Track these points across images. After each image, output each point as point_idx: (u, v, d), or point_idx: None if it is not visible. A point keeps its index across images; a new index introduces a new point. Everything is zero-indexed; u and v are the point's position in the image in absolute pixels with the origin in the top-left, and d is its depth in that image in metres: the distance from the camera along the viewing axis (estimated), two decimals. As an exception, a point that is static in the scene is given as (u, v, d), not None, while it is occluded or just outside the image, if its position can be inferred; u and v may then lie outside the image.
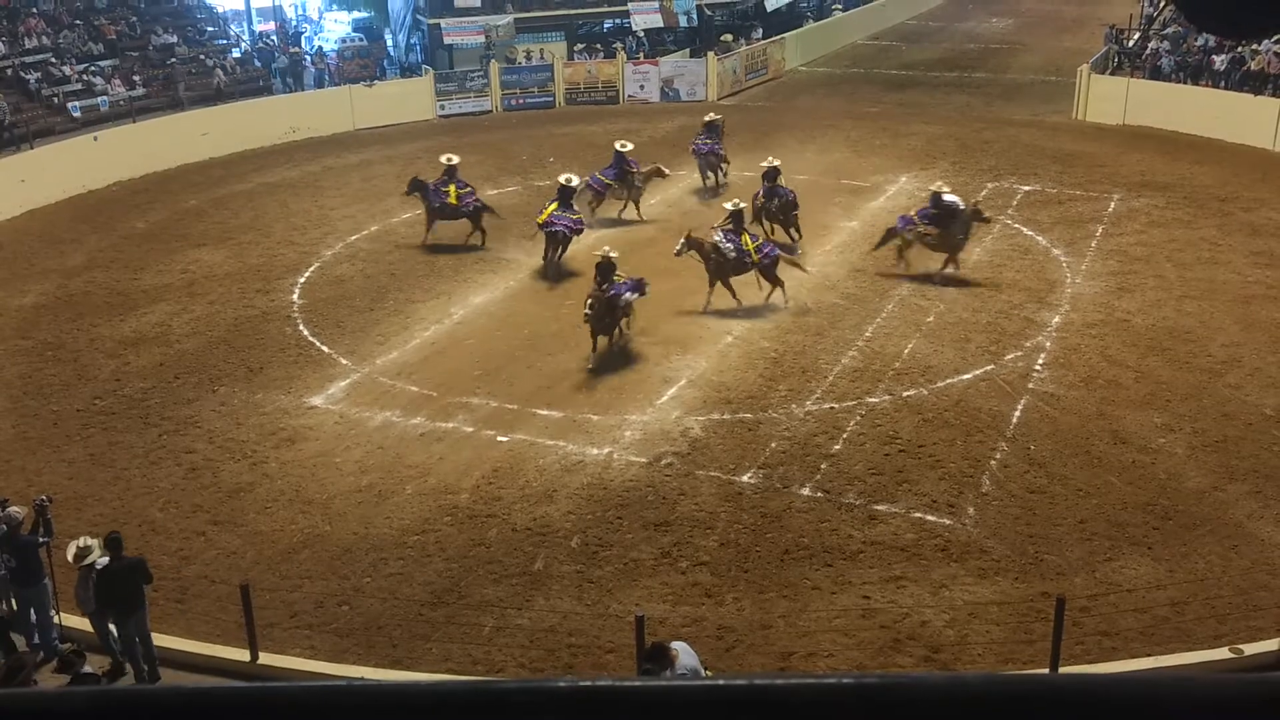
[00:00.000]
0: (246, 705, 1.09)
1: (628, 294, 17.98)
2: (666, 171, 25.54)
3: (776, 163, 23.33)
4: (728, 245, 19.72)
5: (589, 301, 17.48)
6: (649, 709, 1.06)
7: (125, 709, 1.12)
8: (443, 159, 24.18)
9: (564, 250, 21.93)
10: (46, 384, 18.34)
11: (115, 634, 11.74)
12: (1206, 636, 11.63)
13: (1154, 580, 12.55)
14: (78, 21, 34.66)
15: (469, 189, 23.80)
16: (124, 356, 19.18)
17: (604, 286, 17.87)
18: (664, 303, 20.24)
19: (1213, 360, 17.58)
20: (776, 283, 19.94)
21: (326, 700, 1.13)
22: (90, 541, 11.75)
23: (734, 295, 19.77)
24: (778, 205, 22.74)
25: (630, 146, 25.14)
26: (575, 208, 22.34)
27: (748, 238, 20.06)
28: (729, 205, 20.82)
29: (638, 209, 24.98)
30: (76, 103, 31.52)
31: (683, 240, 20.04)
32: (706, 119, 27.63)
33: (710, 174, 27.06)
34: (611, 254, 18.37)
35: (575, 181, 22.60)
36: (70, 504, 14.36)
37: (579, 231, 22.15)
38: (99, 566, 11.51)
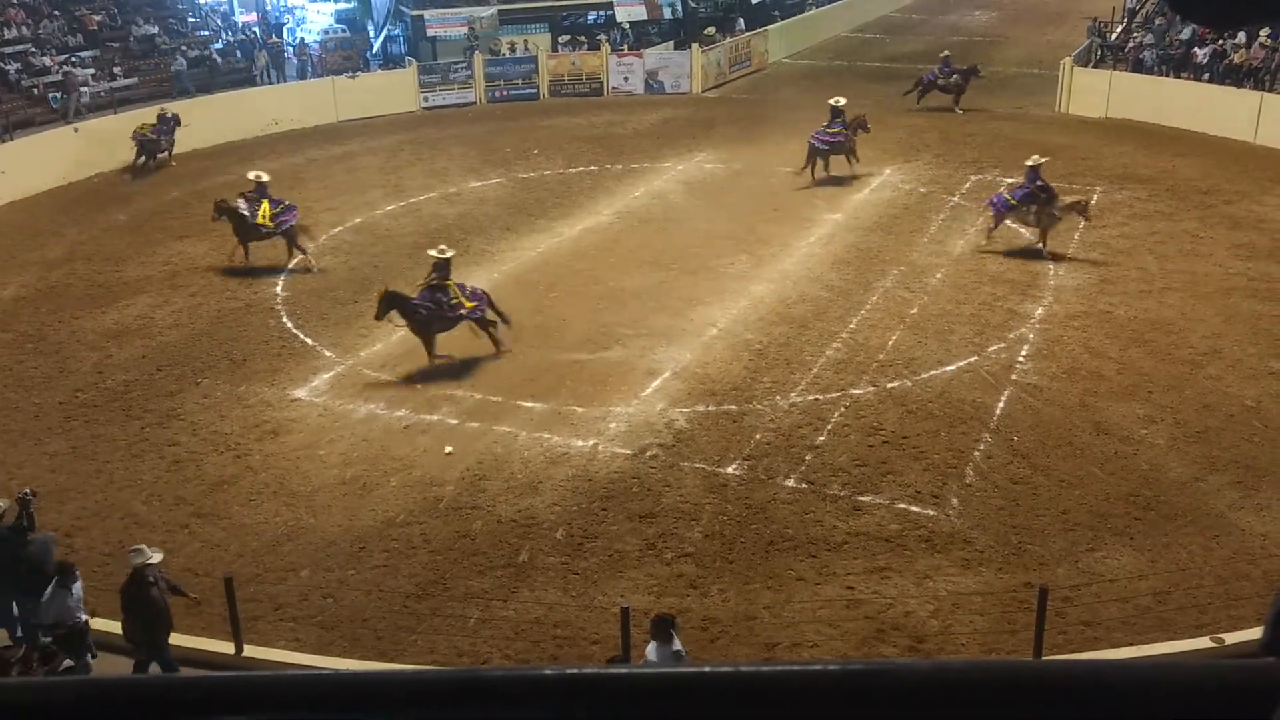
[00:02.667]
0: (238, 694, 1.09)
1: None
2: (1089, 212, 21.68)
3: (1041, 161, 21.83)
4: (245, 211, 21.67)
5: None
6: (637, 695, 1.07)
7: (111, 698, 1.12)
8: None
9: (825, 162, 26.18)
10: (27, 376, 18.23)
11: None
12: (1188, 626, 11.71)
13: (1136, 570, 12.62)
14: (58, 12, 34.40)
15: None
16: (106, 349, 19.08)
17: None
18: (648, 297, 20.28)
19: (1194, 352, 17.68)
20: (297, 245, 21.99)
21: (313, 689, 1.14)
22: None
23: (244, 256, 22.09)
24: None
25: (1043, 160, 21.89)
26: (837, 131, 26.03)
27: (266, 205, 21.75)
28: (254, 174, 22.71)
29: (1044, 237, 21.55)
30: (57, 94, 31.28)
31: (215, 208, 21.97)
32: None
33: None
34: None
35: (843, 101, 26.58)
36: (52, 497, 14.27)
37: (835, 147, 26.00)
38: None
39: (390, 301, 17.53)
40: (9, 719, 1.07)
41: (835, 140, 26.17)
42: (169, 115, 30.02)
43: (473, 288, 18.31)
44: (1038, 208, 21.23)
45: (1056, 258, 21.36)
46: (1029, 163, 21.71)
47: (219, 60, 35.34)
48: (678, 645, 10.32)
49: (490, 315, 18.03)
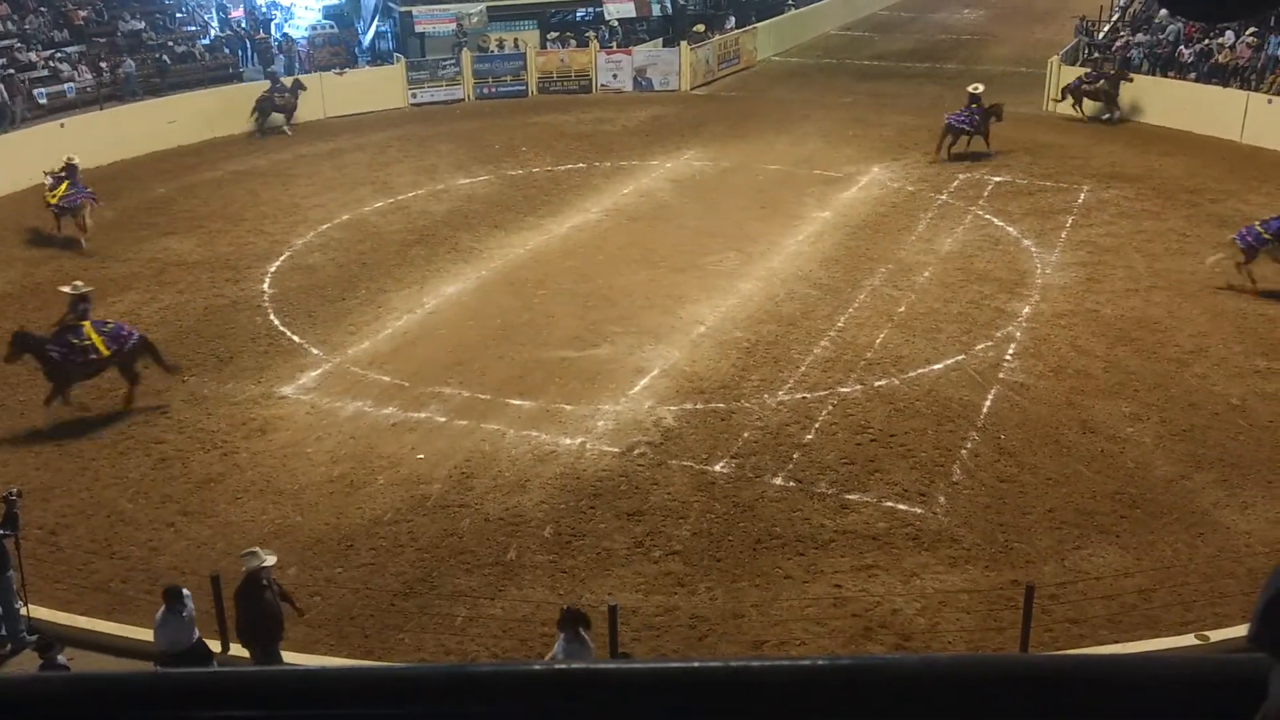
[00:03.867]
0: (227, 689, 1.09)
1: None
2: None
3: None
4: (47, 189, 23.18)
5: None
6: (629, 690, 1.07)
7: (98, 693, 1.12)
8: None
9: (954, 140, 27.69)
10: (13, 374, 18.07)
11: None
12: (1173, 623, 11.77)
13: (1122, 568, 12.68)
14: (43, 7, 34.23)
15: None
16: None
17: None
18: (637, 294, 20.29)
19: (1180, 350, 17.76)
20: (76, 222, 23.13)
21: (302, 684, 1.14)
22: None
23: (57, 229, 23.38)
24: None
25: None
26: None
27: (64, 186, 23.07)
28: (66, 156, 23.77)
29: None
30: (43, 89, 31.15)
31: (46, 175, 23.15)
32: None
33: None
34: None
35: (981, 89, 28.50)
36: (37, 494, 14.22)
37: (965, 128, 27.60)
38: None
39: (20, 343, 16.03)
40: (4, 714, 1.07)
41: (967, 122, 27.73)
42: (279, 80, 32.65)
43: (115, 328, 16.43)
44: None
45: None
46: None
47: (168, 61, 34.75)
48: (586, 639, 10.30)
49: (141, 363, 16.46)
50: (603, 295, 20.28)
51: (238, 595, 11.15)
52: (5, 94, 30.36)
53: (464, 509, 14.08)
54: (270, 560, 11.25)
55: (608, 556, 13.11)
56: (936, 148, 27.80)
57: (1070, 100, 31.57)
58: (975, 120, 27.81)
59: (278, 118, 32.31)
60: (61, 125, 29.30)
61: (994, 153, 27.89)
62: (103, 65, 33.00)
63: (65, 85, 31.63)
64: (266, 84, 32.67)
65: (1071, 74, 32.90)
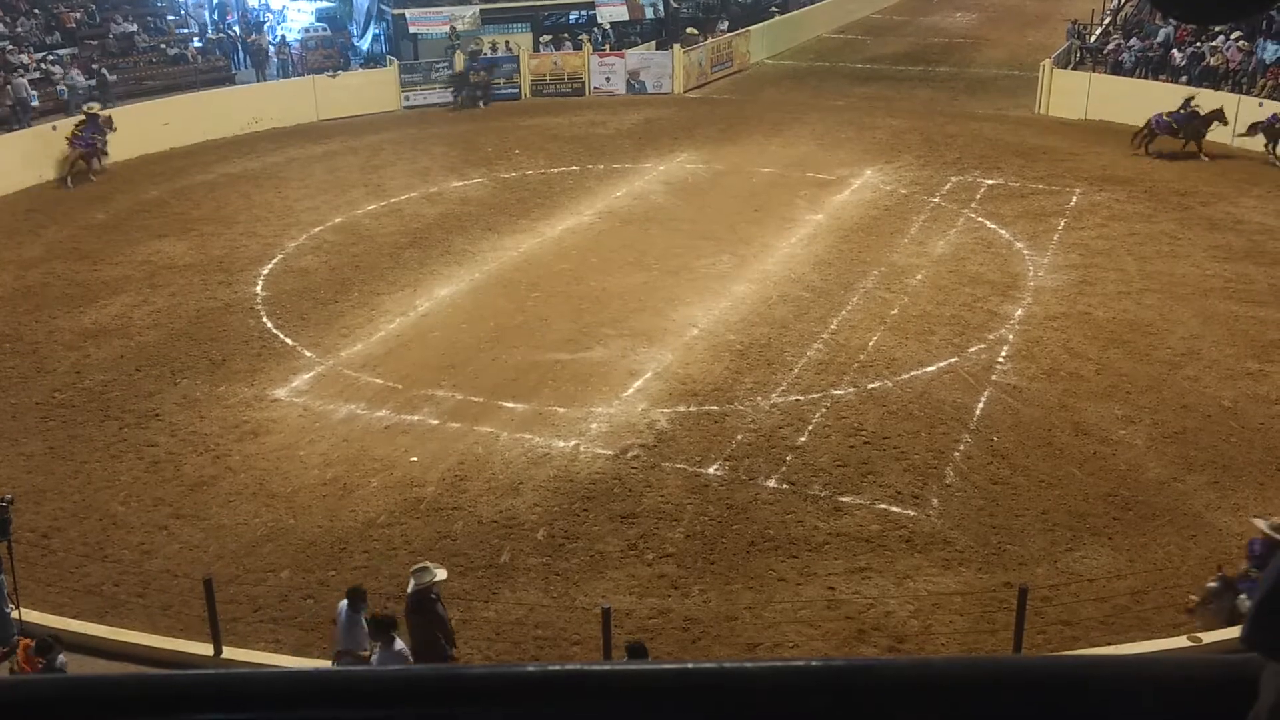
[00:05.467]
0: (220, 691, 1.09)
1: None
2: None
3: None
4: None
5: None
6: (622, 692, 1.07)
7: (88, 696, 1.11)
8: None
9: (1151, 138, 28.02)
10: (4, 377, 18.09)
11: None
12: (1165, 625, 11.79)
13: (1114, 570, 12.70)
14: (36, 10, 34.16)
15: None
16: (84, 349, 18.95)
17: None
18: (630, 297, 20.30)
19: (1172, 353, 17.80)
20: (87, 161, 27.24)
21: (294, 687, 1.13)
22: None
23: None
24: None
25: None
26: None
27: (78, 130, 26.51)
28: (88, 105, 27.32)
29: None
30: (34, 91, 31.07)
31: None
32: None
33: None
34: None
35: (1195, 95, 28.39)
36: (29, 498, 14.18)
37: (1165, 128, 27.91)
38: None
39: None
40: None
41: (1167, 125, 28.08)
42: (477, 58, 35.88)
43: None
44: None
45: None
46: None
47: (108, 75, 34.17)
48: (399, 646, 10.26)
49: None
50: (596, 298, 20.28)
51: (409, 614, 10.97)
52: (26, 89, 30.32)
53: (457, 512, 14.07)
54: (442, 574, 11.09)
55: (601, 559, 13.11)
56: (1132, 139, 28.29)
57: (1263, 140, 27.52)
58: (1175, 127, 27.93)
59: (474, 94, 35.21)
60: (53, 128, 29.19)
61: (1206, 157, 27.72)
62: (94, 68, 32.93)
63: (58, 87, 31.56)
64: (463, 60, 35.41)
65: (1064, 78, 32.93)
